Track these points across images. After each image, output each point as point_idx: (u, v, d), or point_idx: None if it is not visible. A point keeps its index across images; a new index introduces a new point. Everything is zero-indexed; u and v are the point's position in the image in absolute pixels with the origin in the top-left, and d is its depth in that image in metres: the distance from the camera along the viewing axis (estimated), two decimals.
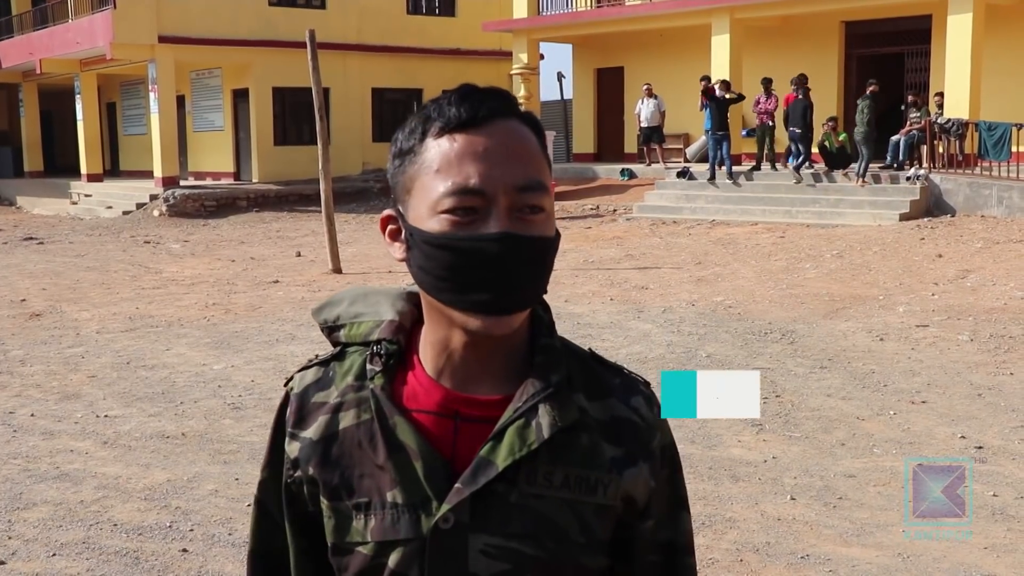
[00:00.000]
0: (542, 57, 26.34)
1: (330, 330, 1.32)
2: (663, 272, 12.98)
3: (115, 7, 23.96)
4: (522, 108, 1.22)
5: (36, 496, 5.51)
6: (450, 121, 1.16)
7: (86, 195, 27.12)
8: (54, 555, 4.76)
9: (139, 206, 23.87)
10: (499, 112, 1.17)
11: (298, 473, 1.27)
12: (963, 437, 6.23)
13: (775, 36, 22.13)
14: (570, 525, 1.20)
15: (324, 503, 1.24)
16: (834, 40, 21.74)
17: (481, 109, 1.16)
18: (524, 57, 24.11)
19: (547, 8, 25.06)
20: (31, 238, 20.01)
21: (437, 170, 1.15)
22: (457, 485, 1.17)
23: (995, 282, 11.10)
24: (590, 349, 1.31)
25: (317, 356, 1.32)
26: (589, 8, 24.54)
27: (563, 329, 7.92)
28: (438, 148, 1.16)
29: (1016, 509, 5.10)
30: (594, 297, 11.34)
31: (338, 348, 1.31)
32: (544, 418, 1.18)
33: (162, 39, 24.48)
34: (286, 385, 1.32)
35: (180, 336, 9.76)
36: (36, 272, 14.88)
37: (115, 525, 5.10)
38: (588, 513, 1.20)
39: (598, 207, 20.14)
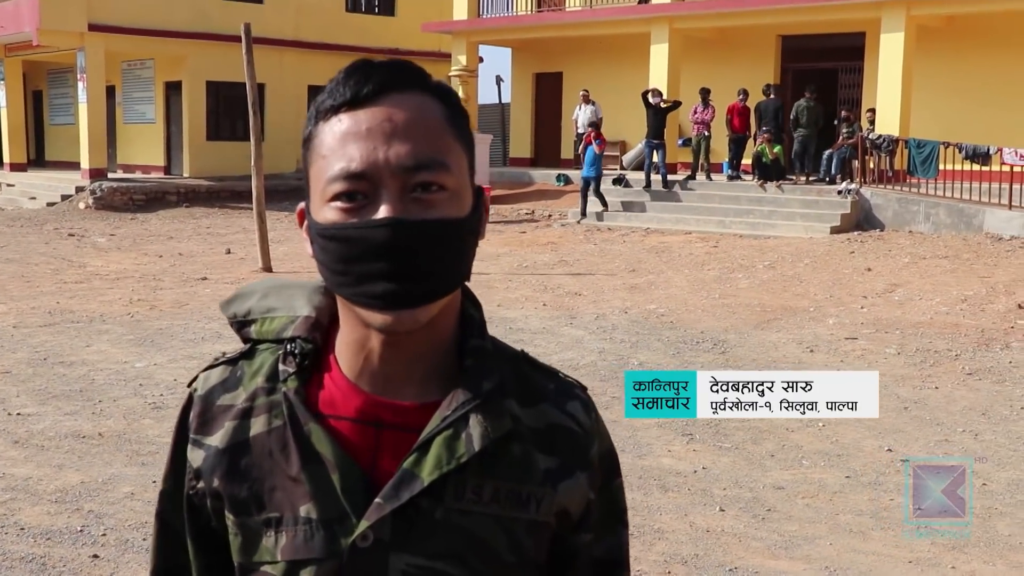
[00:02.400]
0: (481, 60, 26.26)
1: (239, 325, 1.21)
2: (597, 279, 12.97)
3: None
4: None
5: None
6: (336, 101, 1.07)
7: (8, 184, 26.40)
8: None
9: (64, 198, 23.29)
10: (389, 86, 1.07)
11: (201, 484, 1.15)
12: (889, 450, 6.27)
13: (713, 47, 22.33)
14: (499, 543, 1.10)
15: (230, 518, 1.12)
16: (770, 54, 22.00)
17: (367, 84, 1.06)
18: (463, 59, 24.02)
19: (487, 11, 25.01)
20: None
21: (324, 155, 1.07)
22: (377, 500, 1.07)
23: (921, 297, 11.27)
24: (522, 350, 1.21)
25: (224, 354, 1.20)
26: (529, 12, 24.55)
27: (495, 334, 7.88)
28: (326, 132, 1.07)
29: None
30: (527, 302, 11.28)
31: (248, 345, 1.19)
32: (475, 429, 1.08)
33: (92, 27, 23.91)
34: (189, 386, 1.20)
35: (102, 332, 9.49)
36: None
37: (22, 529, 4.88)
38: (519, 530, 1.11)
39: (533, 212, 20.12)
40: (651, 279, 12.88)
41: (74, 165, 26.00)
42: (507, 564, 1.10)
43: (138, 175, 26.17)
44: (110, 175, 24.72)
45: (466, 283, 1.13)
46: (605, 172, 21.36)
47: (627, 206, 19.05)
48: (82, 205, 22.46)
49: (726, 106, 19.27)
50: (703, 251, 15.28)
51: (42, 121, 32.40)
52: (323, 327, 1.15)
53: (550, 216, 19.64)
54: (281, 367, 1.13)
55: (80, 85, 24.61)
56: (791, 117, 18.74)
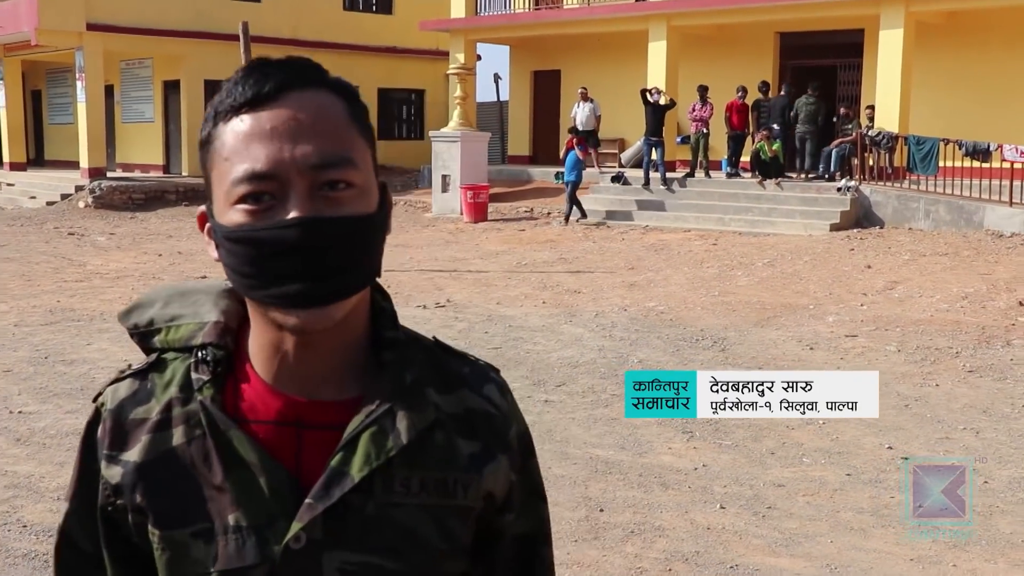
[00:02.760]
0: (479, 58, 26.26)
1: (141, 336, 1.18)
2: (596, 276, 12.97)
3: None
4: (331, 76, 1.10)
5: None
6: (236, 101, 1.05)
7: (8, 184, 26.38)
8: None
9: (64, 197, 23.28)
10: (289, 84, 1.05)
11: (120, 501, 1.12)
12: (890, 447, 6.27)
13: (711, 45, 22.31)
14: (430, 532, 1.10)
15: (155, 534, 1.10)
16: (769, 50, 21.99)
17: (267, 83, 1.04)
18: (461, 57, 24.00)
19: (485, 9, 24.99)
20: None
21: (227, 157, 1.05)
22: (308, 500, 1.06)
23: (922, 294, 11.27)
24: (434, 337, 1.21)
25: (130, 366, 1.17)
26: (527, 10, 24.52)
27: (494, 331, 7.89)
28: (228, 133, 1.05)
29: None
30: (526, 300, 11.28)
31: (154, 356, 1.16)
32: (401, 422, 1.09)
33: (91, 27, 23.90)
34: (95, 400, 1.17)
35: (102, 331, 9.49)
36: None
37: (24, 526, 4.89)
38: (449, 517, 1.12)
39: (532, 210, 20.11)
40: (650, 277, 12.88)
41: (73, 164, 25.99)
42: (439, 551, 1.11)
43: (137, 174, 26.15)
44: (109, 174, 24.70)
45: (379, 276, 1.12)
46: (604, 170, 21.39)
47: (626, 204, 19.05)
48: (82, 204, 22.45)
49: (724, 104, 19.27)
50: (702, 249, 15.27)
51: (41, 121, 32.38)
52: (233, 332, 1.14)
53: (549, 214, 19.63)
54: (194, 376, 1.11)
55: (79, 84, 24.59)
56: (791, 114, 18.77)
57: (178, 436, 1.11)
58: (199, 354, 1.12)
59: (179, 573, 1.10)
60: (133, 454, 1.12)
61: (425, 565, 1.11)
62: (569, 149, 18.71)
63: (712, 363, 8.33)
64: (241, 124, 1.04)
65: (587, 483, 5.63)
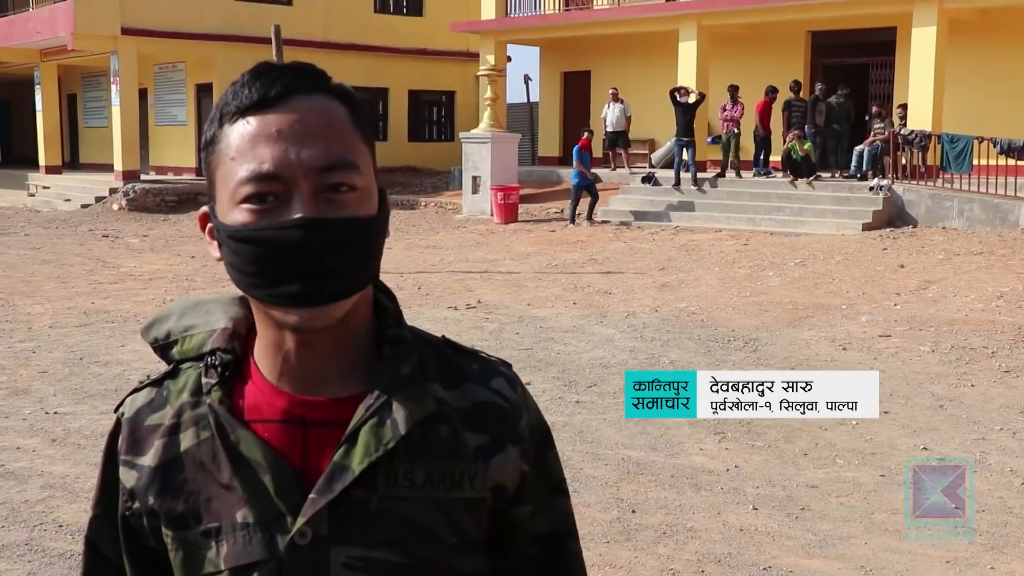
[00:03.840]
0: (509, 59, 26.27)
1: (162, 349, 1.22)
2: (627, 277, 12.94)
3: None
4: (334, 82, 1.12)
5: None
6: (242, 103, 1.07)
7: (44, 187, 26.70)
8: None
9: (98, 200, 23.52)
10: (295, 88, 1.08)
11: (136, 504, 1.16)
12: (925, 448, 6.22)
13: (742, 44, 22.20)
14: (438, 525, 1.11)
15: (169, 535, 1.13)
16: (800, 49, 21.85)
17: (274, 87, 1.07)
18: (491, 59, 24.02)
19: (515, 10, 24.99)
20: None
21: (232, 158, 1.07)
22: (312, 495, 1.08)
23: (956, 294, 11.16)
24: (443, 336, 1.22)
25: (148, 376, 1.22)
26: (557, 11, 24.50)
27: (525, 332, 7.86)
28: (233, 134, 1.08)
29: (977, 522, 5.07)
30: (557, 301, 11.27)
31: (171, 366, 1.21)
32: (399, 413, 1.10)
33: (125, 31, 24.15)
34: (116, 411, 1.22)
35: (136, 332, 9.52)
36: None
37: (60, 526, 4.94)
38: (457, 510, 1.12)
39: (562, 211, 20.07)
40: (681, 277, 12.83)
41: (107, 167, 26.24)
42: (448, 545, 1.12)
43: (170, 176, 26.37)
44: (142, 177, 24.94)
45: (378, 278, 1.15)
46: (634, 171, 21.34)
47: (656, 204, 18.99)
48: (115, 206, 22.67)
49: (754, 104, 19.19)
50: (733, 249, 15.20)
51: (76, 124, 32.74)
52: (241, 336, 1.17)
53: (579, 215, 19.59)
54: (204, 380, 1.15)
55: (113, 88, 24.83)
56: (819, 114, 18.66)
57: (188, 439, 1.14)
58: (208, 359, 1.16)
59: (195, 572, 1.12)
60: (147, 459, 1.15)
61: (433, 559, 1.11)
62: (582, 149, 18.79)
63: (744, 364, 8.29)
64: (247, 126, 1.07)
65: (619, 484, 5.61)
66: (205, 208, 1.14)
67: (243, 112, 1.07)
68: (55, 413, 6.88)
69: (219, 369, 1.14)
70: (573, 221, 18.61)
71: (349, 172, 1.07)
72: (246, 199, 1.05)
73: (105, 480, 1.20)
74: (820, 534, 4.95)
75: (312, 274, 1.05)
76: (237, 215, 1.06)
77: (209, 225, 1.13)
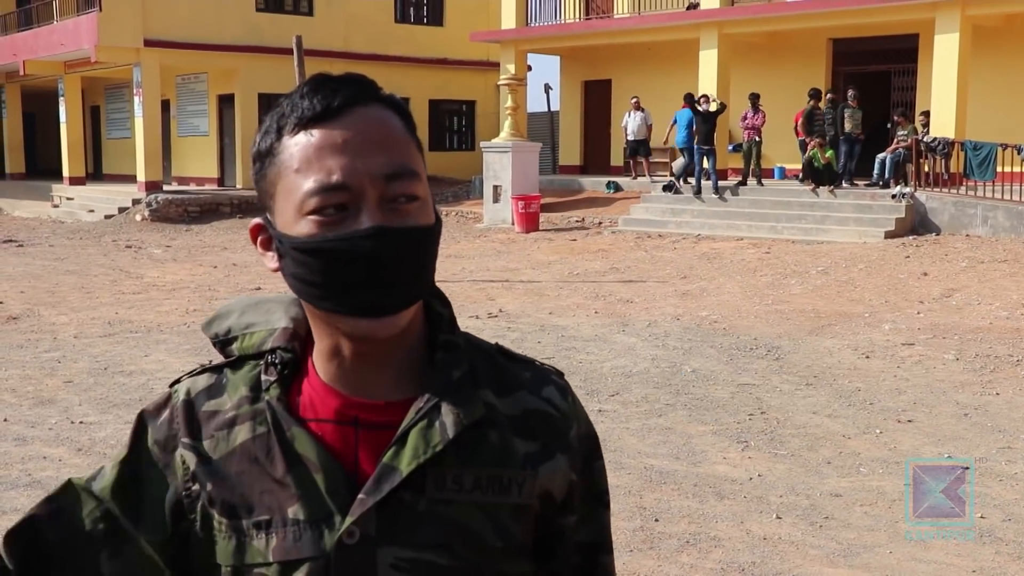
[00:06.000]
0: (530, 68, 26.31)
1: (222, 344, 1.24)
2: (648, 286, 12.92)
3: (100, 9, 23.82)
4: (384, 92, 1.13)
5: (5, 504, 5.38)
6: (304, 115, 1.08)
7: (68, 198, 26.91)
8: None
9: (121, 210, 23.69)
10: (355, 100, 1.09)
11: (196, 487, 1.17)
12: (949, 457, 6.17)
13: (763, 52, 22.17)
14: (485, 530, 1.12)
15: (223, 522, 1.15)
16: (821, 57, 21.79)
17: (336, 98, 1.08)
18: (511, 68, 24.06)
19: (535, 19, 25.03)
20: (11, 240, 19.82)
21: (297, 169, 1.07)
22: (360, 496, 1.09)
23: (980, 301, 11.09)
24: (497, 343, 1.24)
25: (210, 362, 1.23)
26: (577, 20, 24.53)
27: (547, 341, 7.85)
28: (295, 145, 1.08)
29: (1004, 531, 5.03)
30: (579, 310, 11.26)
31: (233, 359, 1.22)
32: (448, 417, 1.11)
33: (147, 43, 24.34)
34: (171, 387, 1.22)
35: (159, 342, 9.63)
36: (15, 275, 14.71)
37: None
38: (504, 515, 1.13)
39: (583, 219, 20.09)
40: (703, 286, 12.80)
41: (130, 178, 26.44)
42: (494, 550, 1.12)
43: (192, 187, 26.54)
44: (165, 187, 25.11)
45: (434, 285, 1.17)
46: (655, 179, 21.33)
47: (678, 213, 18.97)
48: (138, 217, 22.83)
49: (776, 111, 19.15)
50: (755, 257, 15.16)
51: (99, 135, 33.01)
52: (301, 337, 1.19)
53: (600, 224, 19.60)
54: (263, 377, 1.17)
55: (136, 100, 25.03)
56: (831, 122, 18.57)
57: (245, 432, 1.15)
58: (268, 357, 1.17)
59: (243, 561, 1.13)
60: (206, 447, 1.17)
61: (480, 563, 1.12)
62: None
63: (766, 372, 8.26)
64: (311, 137, 1.07)
65: (642, 493, 5.60)
66: (258, 220, 1.14)
67: (305, 124, 1.08)
68: (80, 423, 6.93)
69: (279, 367, 1.16)
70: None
71: (412, 180, 1.08)
72: (315, 210, 1.06)
73: (136, 446, 1.20)
74: (844, 543, 4.93)
75: (382, 283, 1.06)
76: (304, 226, 1.07)
77: (261, 237, 1.14)
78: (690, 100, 19.36)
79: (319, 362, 1.15)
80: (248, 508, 1.13)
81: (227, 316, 1.25)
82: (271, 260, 1.13)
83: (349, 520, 1.09)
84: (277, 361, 1.16)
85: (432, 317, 1.18)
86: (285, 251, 1.10)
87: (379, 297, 1.07)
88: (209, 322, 1.25)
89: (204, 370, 1.22)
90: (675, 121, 20.01)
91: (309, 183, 1.06)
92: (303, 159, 1.07)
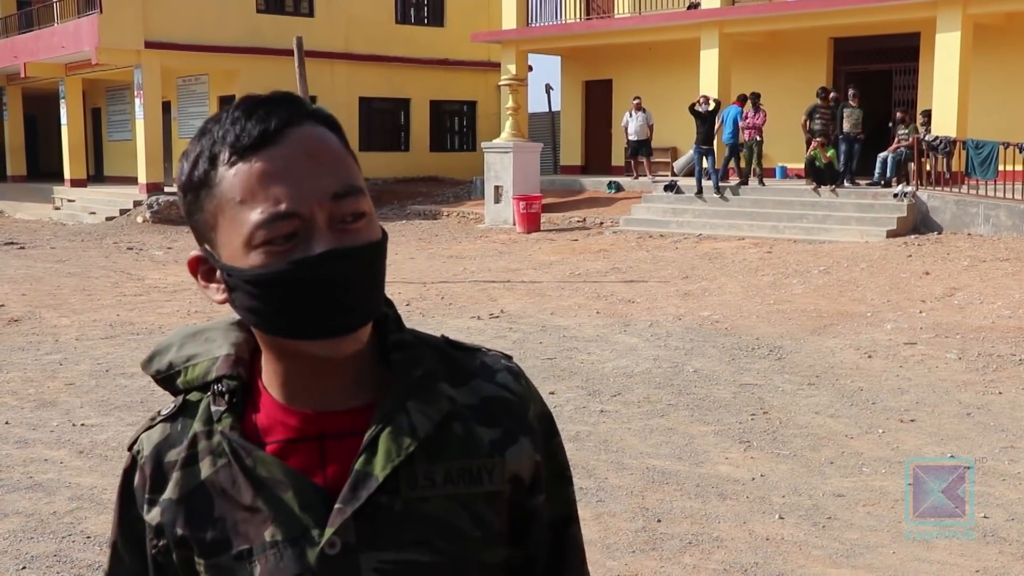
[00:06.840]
0: (531, 69, 26.31)
1: (165, 381, 1.21)
2: (650, 286, 12.91)
3: (101, 11, 23.84)
4: (316, 108, 1.11)
5: (7, 507, 5.38)
6: (240, 142, 1.04)
7: (69, 200, 26.94)
8: (24, 568, 4.63)
9: (123, 212, 23.71)
10: (290, 120, 1.05)
11: (163, 541, 1.16)
12: (952, 457, 6.16)
13: (764, 52, 22.16)
14: (462, 521, 1.13)
15: (201, 563, 1.13)
16: (822, 56, 21.79)
17: (270, 121, 1.04)
18: (512, 68, 24.06)
19: (536, 20, 25.04)
20: (12, 243, 19.82)
21: (241, 200, 1.04)
22: (337, 505, 1.09)
23: (982, 300, 11.07)
24: (443, 335, 1.23)
25: (160, 412, 1.21)
26: (578, 20, 24.53)
27: (548, 342, 7.85)
28: (235, 175, 1.04)
29: (1007, 531, 5.02)
30: (580, 310, 11.25)
31: (180, 399, 1.20)
32: (416, 416, 1.11)
33: (148, 44, 24.37)
34: (130, 449, 1.20)
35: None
36: (16, 277, 14.72)
37: (88, 537, 4.97)
38: (479, 504, 1.14)
39: (585, 219, 20.08)
40: (704, 286, 12.79)
41: (132, 180, 26.46)
42: (474, 539, 1.13)
43: None
44: (166, 189, 25.11)
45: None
46: (656, 179, 21.32)
47: (679, 213, 18.96)
48: (140, 219, 22.84)
49: (777, 110, 19.13)
50: (757, 257, 15.14)
51: (100, 137, 33.04)
52: (245, 361, 1.17)
53: (601, 224, 19.60)
54: (213, 408, 1.15)
55: (137, 101, 25.06)
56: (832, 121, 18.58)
57: (206, 468, 1.14)
58: (215, 387, 1.15)
59: None
60: (169, 492, 1.16)
61: (460, 555, 1.13)
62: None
63: (768, 372, 8.25)
64: (251, 165, 1.04)
65: (644, 493, 5.59)
66: (196, 252, 1.11)
67: (242, 152, 1.04)
68: (82, 425, 6.93)
69: (227, 396, 1.14)
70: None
71: (358, 197, 1.06)
72: (266, 242, 1.03)
73: (123, 517, 1.21)
74: (847, 543, 4.92)
75: (341, 305, 1.05)
76: (254, 258, 1.04)
77: (202, 268, 1.11)
78: (742, 99, 19.32)
79: (271, 383, 1.14)
80: (226, 542, 1.12)
81: (166, 351, 1.22)
82: (216, 292, 1.10)
83: (329, 531, 1.08)
84: (224, 390, 1.14)
85: (378, 318, 1.17)
86: (236, 284, 1.07)
87: (340, 318, 1.05)
88: (149, 359, 1.22)
89: (157, 422, 1.20)
90: (723, 119, 19.64)
91: (256, 215, 1.03)
92: (246, 189, 1.04)
